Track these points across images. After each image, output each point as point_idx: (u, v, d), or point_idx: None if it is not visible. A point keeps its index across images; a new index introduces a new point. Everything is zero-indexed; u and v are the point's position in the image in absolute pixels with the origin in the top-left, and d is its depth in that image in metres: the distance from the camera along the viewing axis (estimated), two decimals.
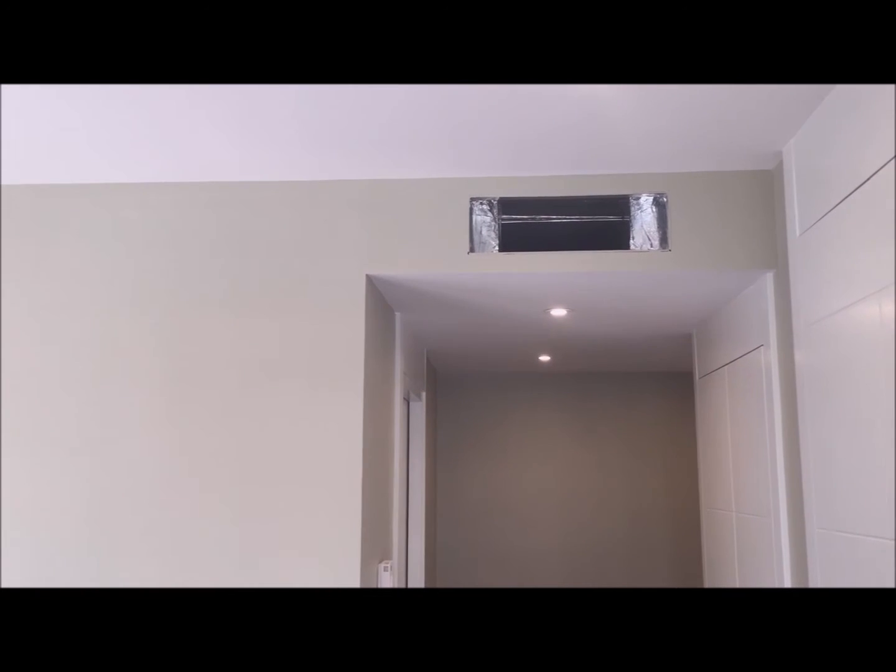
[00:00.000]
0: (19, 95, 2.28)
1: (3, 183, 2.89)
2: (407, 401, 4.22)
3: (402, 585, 3.68)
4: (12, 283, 2.85)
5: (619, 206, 2.86)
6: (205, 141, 2.58)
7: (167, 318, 2.82)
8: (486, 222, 2.89)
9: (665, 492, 5.95)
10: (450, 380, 6.13)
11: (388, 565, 3.00)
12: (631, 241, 2.84)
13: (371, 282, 2.94)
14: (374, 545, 2.93)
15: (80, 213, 2.89)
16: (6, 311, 2.84)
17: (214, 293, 2.83)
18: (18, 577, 2.69)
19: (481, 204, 2.90)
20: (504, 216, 2.90)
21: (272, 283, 2.84)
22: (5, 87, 2.24)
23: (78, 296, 2.85)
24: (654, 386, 6.07)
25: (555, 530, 5.94)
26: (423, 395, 4.60)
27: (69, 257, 2.87)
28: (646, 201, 2.86)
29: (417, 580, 4.27)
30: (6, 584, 2.67)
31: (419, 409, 4.56)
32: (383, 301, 3.25)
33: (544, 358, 5.23)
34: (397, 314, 3.58)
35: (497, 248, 2.87)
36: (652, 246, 2.83)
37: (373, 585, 2.87)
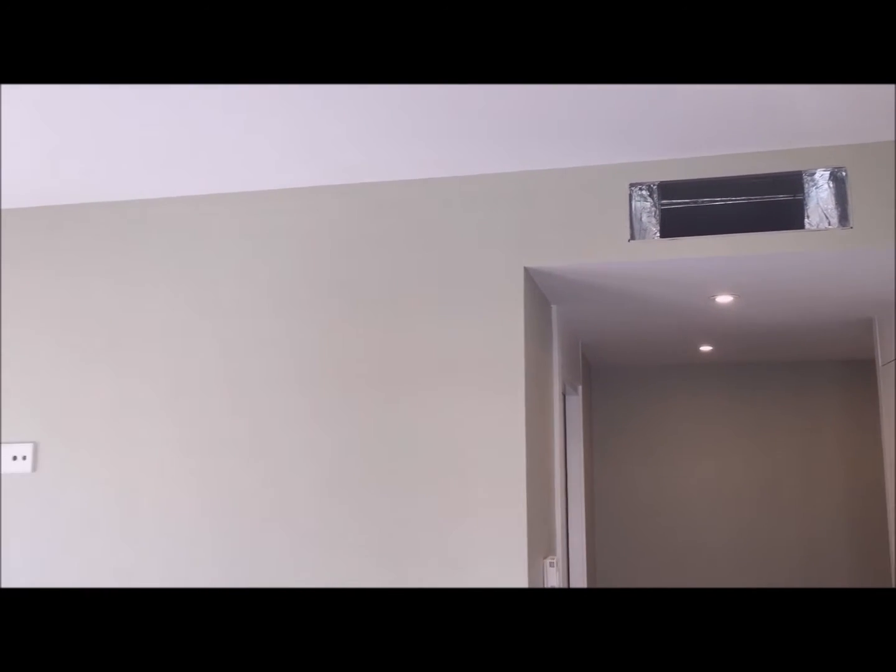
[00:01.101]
0: (153, 105, 2.38)
1: (150, 197, 3.05)
2: (563, 395, 4.15)
3: (566, 582, 3.62)
4: (161, 287, 3.01)
5: (791, 184, 2.68)
6: (354, 142, 2.62)
7: (321, 320, 2.89)
8: (645, 208, 2.78)
9: (844, 488, 5.57)
10: (604, 373, 6.00)
11: (553, 561, 2.95)
12: (806, 220, 2.65)
13: (528, 274, 2.90)
14: (539, 541, 2.89)
15: (220, 221, 3.00)
16: (152, 317, 2.99)
17: (368, 293, 2.87)
18: (173, 575, 2.83)
19: (640, 189, 2.79)
20: (664, 201, 2.78)
21: (427, 281, 2.85)
22: (147, 99, 2.34)
23: (222, 299, 2.96)
24: (829, 375, 5.70)
25: (720, 527, 5.69)
26: (580, 388, 4.52)
27: (210, 264, 2.99)
28: (821, 177, 2.66)
29: (579, 577, 4.19)
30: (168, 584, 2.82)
31: (576, 403, 4.48)
32: (540, 293, 3.20)
33: (705, 348, 5.02)
34: (553, 307, 3.52)
35: (658, 234, 2.76)
36: (830, 224, 2.63)
37: (539, 582, 2.83)
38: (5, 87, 2.26)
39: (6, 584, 2.90)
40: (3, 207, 3.16)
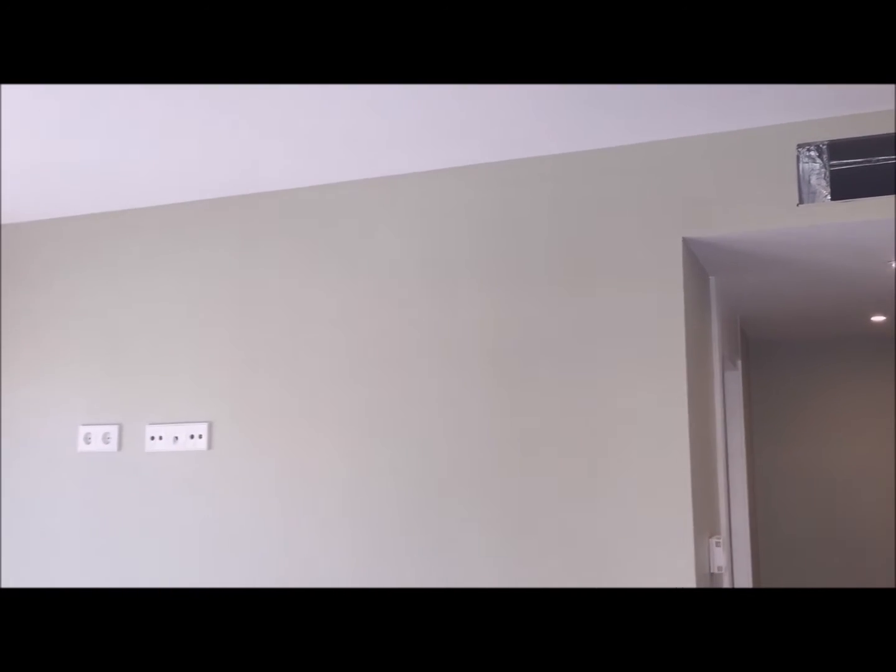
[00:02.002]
0: (332, 97, 2.44)
1: (329, 182, 3.14)
2: (722, 371, 4.00)
3: (730, 563, 3.50)
4: (334, 269, 3.09)
5: None
6: (511, 119, 2.60)
7: (479, 296, 2.90)
8: (814, 170, 2.62)
9: None
10: (764, 347, 5.73)
11: (719, 540, 2.86)
12: None
13: (687, 245, 2.80)
14: (704, 520, 2.80)
15: (391, 204, 3.05)
16: (329, 299, 3.09)
17: (524, 268, 2.86)
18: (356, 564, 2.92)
19: (808, 150, 2.64)
20: (834, 161, 2.61)
21: (585, 253, 2.80)
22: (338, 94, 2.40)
23: (395, 276, 3.02)
24: None
25: (883, 508, 5.34)
26: (739, 364, 4.34)
27: (384, 247, 3.05)
28: None
29: (743, 558, 4.05)
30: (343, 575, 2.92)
31: (735, 378, 4.30)
32: (698, 265, 3.08)
33: (878, 318, 4.70)
34: (711, 278, 3.39)
35: (828, 196, 2.60)
36: None
37: (705, 562, 2.75)
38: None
39: (193, 552, 3.10)
40: (212, 196, 3.35)
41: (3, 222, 3.59)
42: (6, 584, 3.33)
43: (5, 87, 2.37)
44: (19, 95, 2.44)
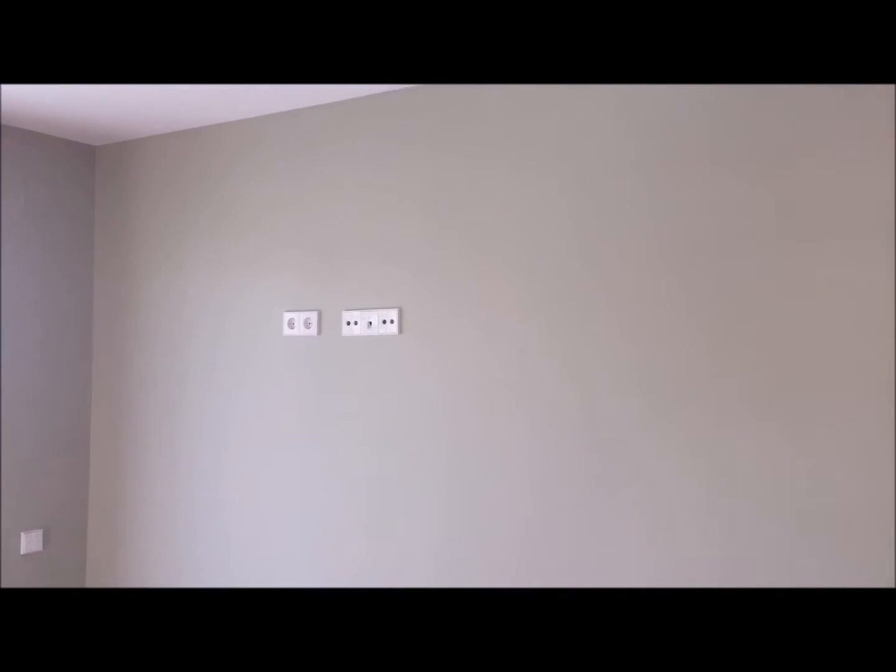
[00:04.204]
0: None
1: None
2: None
3: None
4: (531, 162, 3.04)
5: None
6: None
7: (700, 186, 2.76)
8: None
9: None
10: None
11: None
12: None
13: None
14: None
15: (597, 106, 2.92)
16: (524, 188, 3.05)
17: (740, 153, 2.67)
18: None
19: None
20: None
21: (787, 135, 2.57)
22: None
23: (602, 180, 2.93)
24: None
25: None
26: None
27: (591, 144, 2.94)
28: None
29: None
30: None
31: None
32: None
33: None
34: None
35: None
36: None
37: None
38: None
39: (384, 431, 3.30)
40: (401, 87, 3.40)
41: (202, 125, 3.82)
42: (209, 455, 3.72)
43: None
44: None
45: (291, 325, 3.57)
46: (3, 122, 3.78)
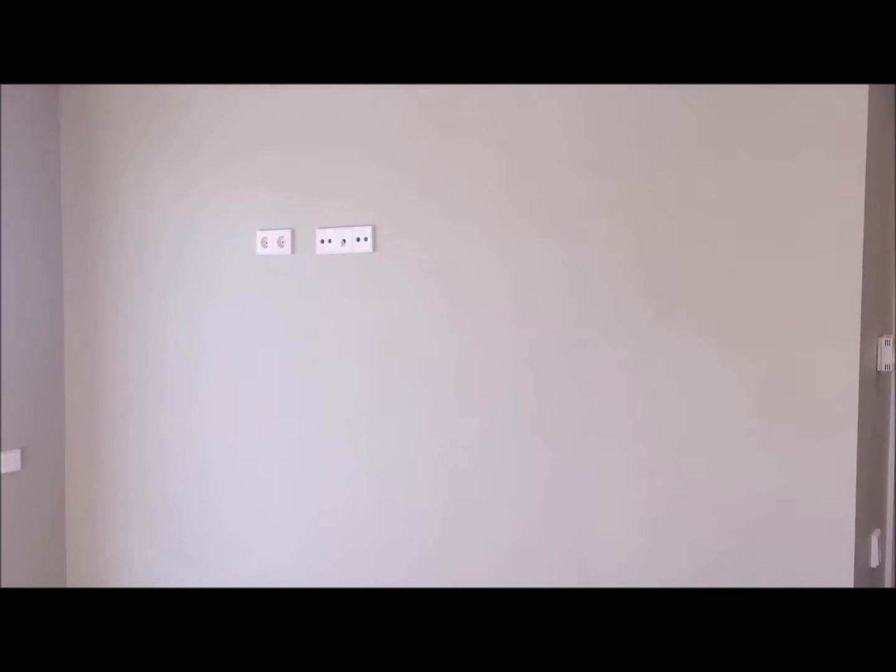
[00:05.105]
0: None
1: None
2: None
3: None
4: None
5: None
6: None
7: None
8: None
9: None
10: None
11: (889, 339, 2.77)
12: None
13: None
14: (872, 319, 2.71)
15: None
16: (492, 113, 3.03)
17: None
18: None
19: None
20: None
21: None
22: None
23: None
24: None
25: None
26: None
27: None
28: None
29: None
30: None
31: None
32: None
33: None
34: None
35: None
36: None
37: (872, 361, 2.69)
38: None
39: (354, 345, 3.35)
40: None
41: None
42: (182, 373, 3.75)
43: None
44: None
45: (265, 243, 3.56)
46: None
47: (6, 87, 3.89)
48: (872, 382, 2.73)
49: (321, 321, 3.44)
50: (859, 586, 2.59)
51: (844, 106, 2.47)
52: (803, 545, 2.55)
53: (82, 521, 4.17)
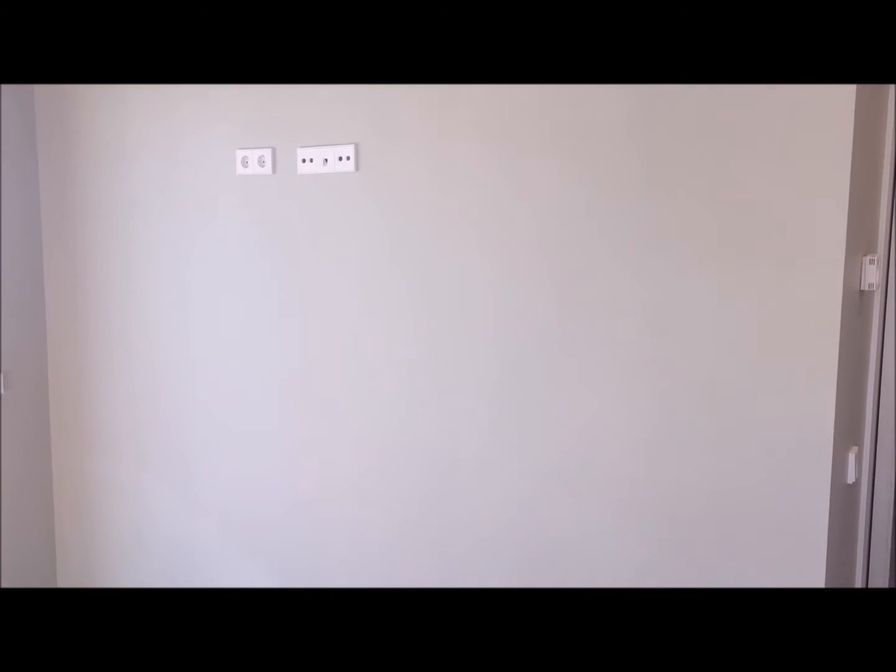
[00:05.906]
0: None
1: None
2: None
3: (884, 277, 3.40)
4: None
5: None
6: None
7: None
8: None
9: None
10: None
11: (874, 258, 2.77)
12: None
13: None
14: (859, 238, 2.70)
15: None
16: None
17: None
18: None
19: None
20: None
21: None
22: None
23: None
24: None
25: None
26: None
27: None
28: None
29: None
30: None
31: None
32: None
33: None
34: None
35: None
36: None
37: (857, 280, 2.69)
38: None
39: (351, 260, 3.32)
40: None
41: None
42: (166, 299, 3.72)
43: None
44: None
45: (245, 163, 3.49)
46: None
47: None
48: (855, 301, 2.74)
49: (302, 242, 3.40)
50: (835, 501, 2.65)
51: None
52: (781, 461, 2.59)
53: (69, 444, 4.19)
